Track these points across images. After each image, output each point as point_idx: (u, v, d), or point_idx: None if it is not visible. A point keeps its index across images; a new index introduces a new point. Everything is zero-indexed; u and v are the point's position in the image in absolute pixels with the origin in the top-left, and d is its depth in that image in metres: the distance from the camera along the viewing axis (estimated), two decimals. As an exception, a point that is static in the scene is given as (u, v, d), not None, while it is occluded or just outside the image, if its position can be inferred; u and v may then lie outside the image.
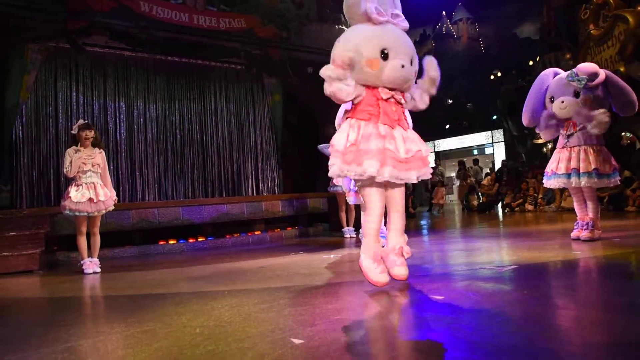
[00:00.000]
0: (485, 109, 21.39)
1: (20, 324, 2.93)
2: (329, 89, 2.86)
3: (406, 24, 3.09)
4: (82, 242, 5.22)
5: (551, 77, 5.07)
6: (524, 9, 22.47)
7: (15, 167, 8.24)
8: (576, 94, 4.80)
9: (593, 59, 12.64)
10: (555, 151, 5.18)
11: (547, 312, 2.35)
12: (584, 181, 4.79)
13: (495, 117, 20.79)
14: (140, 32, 8.50)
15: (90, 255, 5.26)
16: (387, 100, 2.94)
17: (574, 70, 4.77)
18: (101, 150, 5.36)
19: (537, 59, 17.38)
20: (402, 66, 2.88)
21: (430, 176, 3.05)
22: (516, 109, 17.04)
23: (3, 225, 5.74)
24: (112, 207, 5.38)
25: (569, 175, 4.88)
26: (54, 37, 8.20)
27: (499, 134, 21.64)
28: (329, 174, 2.99)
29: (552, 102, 4.97)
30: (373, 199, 2.95)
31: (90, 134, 5.21)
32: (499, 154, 21.12)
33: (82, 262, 5.20)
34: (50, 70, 8.70)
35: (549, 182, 5.14)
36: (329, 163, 2.96)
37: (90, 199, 5.09)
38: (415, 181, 2.98)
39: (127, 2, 8.04)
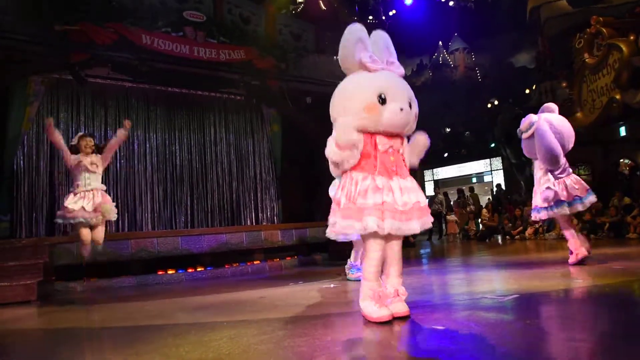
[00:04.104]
0: (483, 137, 21.56)
1: (18, 356, 2.89)
2: (336, 170, 3.04)
3: (402, 70, 3.11)
4: (84, 251, 5.15)
5: None
6: (519, 38, 22.89)
7: (15, 197, 8.24)
8: None
9: (589, 87, 12.84)
10: (554, 181, 5.27)
11: (549, 343, 2.32)
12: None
13: (493, 145, 20.93)
14: (141, 64, 8.65)
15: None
16: (385, 151, 2.94)
17: None
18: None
19: (534, 87, 17.63)
20: (401, 109, 2.87)
21: (430, 225, 3.03)
22: (514, 137, 17.22)
23: (1, 255, 5.71)
24: (114, 216, 5.23)
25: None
26: (57, 69, 8.34)
27: (497, 162, 21.74)
28: (332, 233, 2.99)
29: None
30: (374, 248, 2.93)
31: (90, 142, 5.18)
32: (498, 182, 21.17)
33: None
34: (53, 101, 8.81)
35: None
36: (330, 221, 2.99)
37: (84, 208, 4.95)
38: (418, 231, 2.96)
39: (128, 35, 8.20)
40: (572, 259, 5.25)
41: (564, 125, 5.32)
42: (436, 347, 2.28)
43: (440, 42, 29.24)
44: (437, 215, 14.20)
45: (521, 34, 21.77)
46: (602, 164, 14.73)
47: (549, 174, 5.29)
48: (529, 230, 11.42)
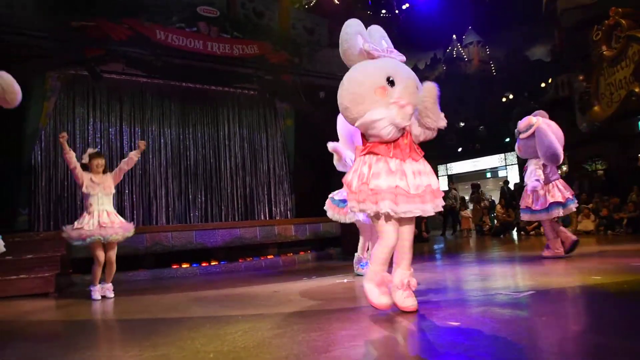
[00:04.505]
0: (498, 131, 21.35)
1: (37, 346, 2.94)
2: (393, 133, 2.89)
3: (403, 57, 3.19)
4: (98, 270, 4.98)
5: None
6: (535, 31, 22.54)
7: (33, 191, 8.37)
8: None
9: (607, 80, 12.63)
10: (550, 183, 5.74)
11: (566, 340, 2.30)
12: None
13: (508, 139, 20.71)
14: (155, 60, 8.71)
15: (103, 279, 5.06)
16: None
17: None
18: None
19: (550, 81, 17.37)
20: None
21: (441, 208, 3.06)
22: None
23: (20, 248, 5.81)
24: (130, 233, 5.16)
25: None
26: (73, 65, 8.43)
27: (512, 157, 21.50)
28: (351, 212, 3.04)
29: None
30: (388, 231, 2.96)
31: (102, 162, 5.14)
32: (513, 177, 20.96)
33: (91, 287, 4.99)
34: (69, 97, 8.91)
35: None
36: (349, 205, 3.04)
37: (101, 225, 4.89)
38: (432, 214, 2.99)
39: (143, 31, 8.26)
40: (546, 252, 5.85)
41: (559, 129, 5.68)
42: (451, 343, 2.28)
43: (454, 36, 28.91)
44: (451, 211, 14.12)
45: (537, 26, 21.44)
46: (619, 158, 14.50)
47: (541, 171, 5.67)
48: (544, 226, 11.29)
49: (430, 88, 2.86)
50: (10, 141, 8.03)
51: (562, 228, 5.88)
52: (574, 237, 5.75)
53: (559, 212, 5.68)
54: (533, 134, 5.53)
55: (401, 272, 3.04)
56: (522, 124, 5.72)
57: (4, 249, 3.09)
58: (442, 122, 2.99)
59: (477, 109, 23.04)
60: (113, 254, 5.13)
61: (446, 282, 4.65)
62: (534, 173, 5.64)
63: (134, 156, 5.31)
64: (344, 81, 3.05)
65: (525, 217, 6.14)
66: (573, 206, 5.78)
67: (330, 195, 5.63)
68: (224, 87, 10.43)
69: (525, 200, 5.91)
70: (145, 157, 9.59)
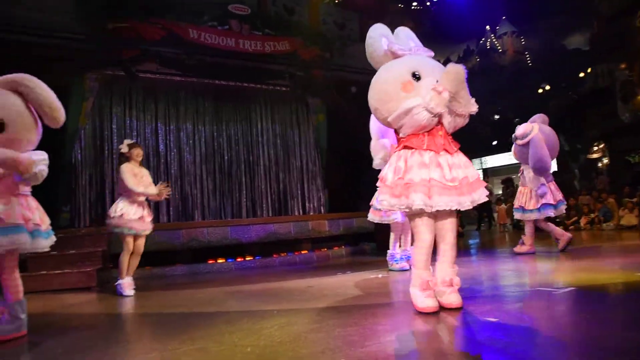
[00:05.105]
0: (534, 123, 20.79)
1: (82, 338, 3.05)
2: (427, 119, 2.86)
3: (431, 53, 3.16)
4: (126, 259, 5.00)
5: None
6: (572, 19, 21.79)
7: (74, 189, 8.66)
8: None
9: (650, 68, 12.12)
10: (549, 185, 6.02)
11: (606, 338, 2.23)
12: None
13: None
14: (189, 58, 8.86)
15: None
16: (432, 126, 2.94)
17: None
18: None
19: (589, 71, 16.79)
20: (437, 81, 2.86)
21: (486, 198, 2.97)
22: (566, 123, 16.51)
23: (63, 244, 6.03)
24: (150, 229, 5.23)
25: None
26: (110, 65, 8.66)
27: (549, 149, 20.93)
28: (374, 214, 3.01)
29: None
30: (422, 230, 2.93)
31: (142, 152, 5.22)
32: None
33: (120, 281, 4.96)
34: (107, 97, 9.16)
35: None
36: (379, 198, 3.03)
37: (141, 218, 5.02)
38: (470, 207, 2.90)
39: (176, 30, 8.41)
40: (520, 248, 6.21)
41: (555, 137, 6.01)
42: (490, 339, 2.25)
43: (487, 27, 28.25)
44: (487, 205, 13.86)
45: (574, 14, 20.71)
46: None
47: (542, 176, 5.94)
48: (583, 220, 10.97)
49: (457, 69, 2.81)
50: (51, 141, 8.27)
51: (553, 226, 6.21)
52: (569, 235, 6.06)
53: (550, 212, 6.02)
54: (529, 142, 5.80)
55: (444, 268, 2.98)
56: (519, 130, 6.04)
57: (52, 242, 3.28)
58: (473, 107, 2.95)
59: (512, 101, 22.49)
60: (142, 243, 5.16)
61: (482, 278, 4.59)
62: (535, 181, 5.88)
63: (153, 195, 5.18)
64: (372, 83, 3.06)
65: (517, 215, 6.43)
66: (563, 208, 6.18)
67: (371, 204, 5.63)
68: (256, 84, 10.51)
69: (520, 200, 6.25)
70: (181, 155, 9.78)
